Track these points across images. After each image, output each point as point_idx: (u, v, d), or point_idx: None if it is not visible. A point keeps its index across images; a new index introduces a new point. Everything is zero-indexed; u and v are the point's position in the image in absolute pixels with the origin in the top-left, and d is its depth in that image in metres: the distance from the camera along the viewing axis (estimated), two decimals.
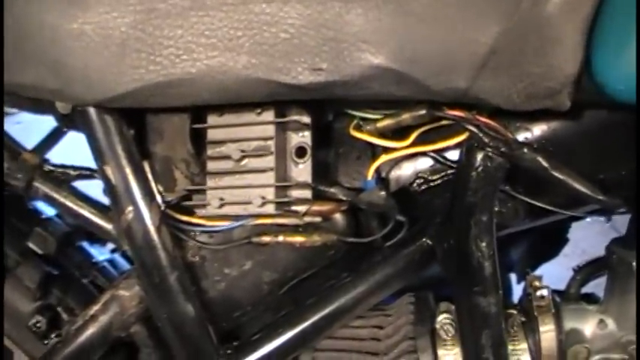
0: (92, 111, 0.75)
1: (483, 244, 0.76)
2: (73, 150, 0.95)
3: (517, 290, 1.05)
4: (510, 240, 1.09)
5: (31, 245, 0.95)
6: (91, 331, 0.88)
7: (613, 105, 0.68)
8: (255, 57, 0.67)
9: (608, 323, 0.85)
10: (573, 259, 0.96)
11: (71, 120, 0.80)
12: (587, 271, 0.89)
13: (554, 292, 0.88)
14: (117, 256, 1.07)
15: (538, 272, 1.12)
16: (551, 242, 1.09)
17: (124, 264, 1.06)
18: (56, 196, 0.85)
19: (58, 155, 0.94)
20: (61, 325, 0.94)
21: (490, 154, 0.74)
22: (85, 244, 1.06)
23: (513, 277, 1.15)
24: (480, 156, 0.74)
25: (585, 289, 0.92)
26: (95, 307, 0.88)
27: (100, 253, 1.07)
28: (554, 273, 0.98)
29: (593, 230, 0.96)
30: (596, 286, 0.92)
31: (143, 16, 0.67)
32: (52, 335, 0.93)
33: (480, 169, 0.74)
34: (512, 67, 0.66)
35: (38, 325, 0.93)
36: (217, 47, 0.67)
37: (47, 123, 0.92)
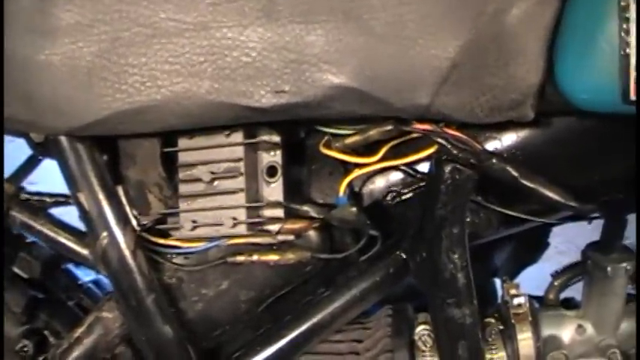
0: (64, 139, 0.76)
1: (455, 255, 0.77)
2: (51, 176, 0.96)
3: None
4: (494, 246, 1.09)
5: (16, 270, 0.96)
6: (76, 353, 0.88)
7: (581, 112, 0.68)
8: (217, 82, 0.68)
9: (587, 328, 0.85)
10: (569, 256, 0.97)
11: (45, 148, 0.82)
12: (565, 276, 0.90)
13: (533, 298, 0.89)
14: (102, 277, 1.07)
15: (533, 272, 1.13)
16: (532, 247, 1.09)
17: (108, 284, 1.05)
18: (33, 224, 0.86)
19: (37, 180, 0.95)
20: (48, 349, 0.95)
21: (459, 166, 0.74)
22: (70, 266, 1.06)
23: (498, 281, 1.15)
24: (448, 168, 0.75)
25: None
26: (80, 330, 0.89)
27: (85, 275, 1.07)
28: (550, 271, 0.98)
29: (588, 227, 0.96)
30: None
31: (108, 45, 0.69)
32: (40, 359, 0.93)
33: (449, 181, 0.75)
34: (473, 81, 0.67)
35: (25, 349, 0.93)
36: (181, 73, 0.68)
37: None
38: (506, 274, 1.11)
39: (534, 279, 1.03)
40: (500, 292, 1.12)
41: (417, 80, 0.67)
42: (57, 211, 0.89)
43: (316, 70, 0.67)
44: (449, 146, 0.74)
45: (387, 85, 0.67)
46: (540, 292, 0.92)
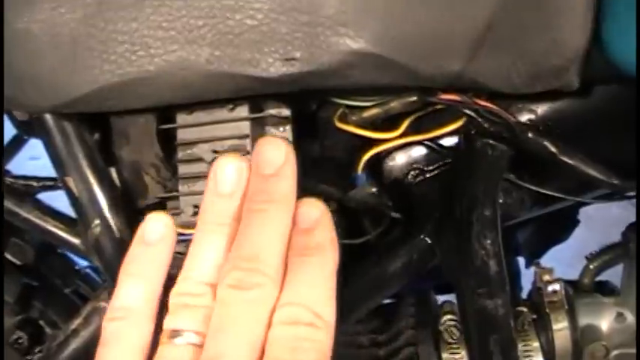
0: (49, 117, 0.69)
1: (488, 241, 0.70)
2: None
3: (526, 274, 1.00)
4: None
5: (8, 256, 0.92)
6: (73, 346, 0.84)
7: (626, 79, 0.61)
8: (219, 49, 0.60)
9: (627, 316, 0.79)
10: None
11: (29, 127, 0.75)
12: (602, 259, 0.83)
13: (566, 282, 0.83)
14: None
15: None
16: (561, 223, 1.02)
17: None
18: (19, 211, 0.79)
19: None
20: (44, 340, 0.92)
21: (491, 141, 0.69)
22: (66, 251, 1.01)
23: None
24: (480, 144, 0.68)
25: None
26: (76, 321, 0.84)
27: (83, 259, 1.03)
28: None
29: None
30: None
31: (94, 9, 0.60)
32: (36, 350, 0.91)
33: (481, 158, 0.69)
34: (511, 44, 0.60)
35: (20, 341, 0.91)
36: (177, 40, 0.60)
37: None
38: (530, 253, 1.05)
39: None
40: (523, 272, 1.06)
41: (447, 44, 0.59)
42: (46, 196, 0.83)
43: (332, 34, 0.59)
44: (479, 119, 0.68)
45: (414, 51, 0.59)
46: None
